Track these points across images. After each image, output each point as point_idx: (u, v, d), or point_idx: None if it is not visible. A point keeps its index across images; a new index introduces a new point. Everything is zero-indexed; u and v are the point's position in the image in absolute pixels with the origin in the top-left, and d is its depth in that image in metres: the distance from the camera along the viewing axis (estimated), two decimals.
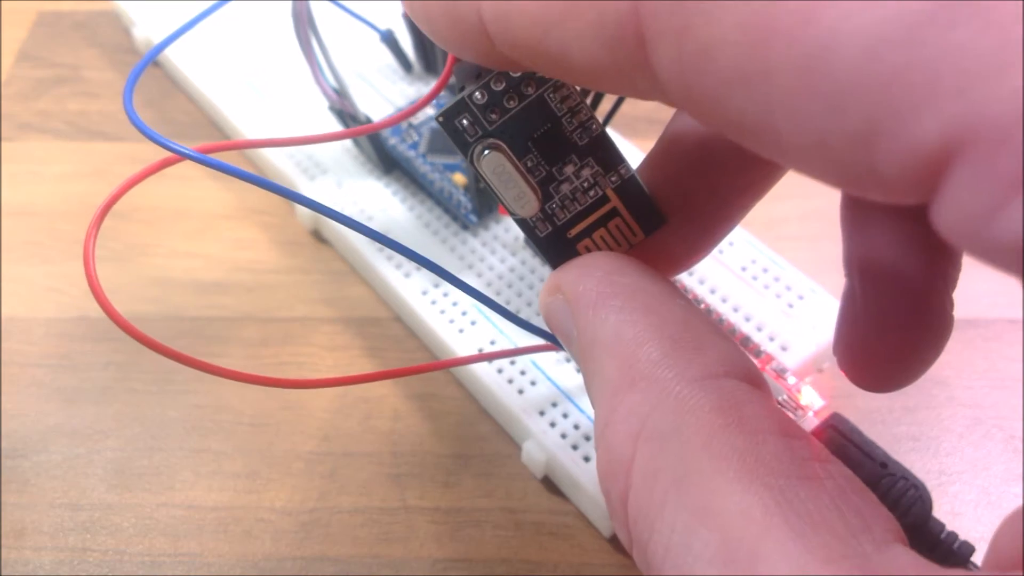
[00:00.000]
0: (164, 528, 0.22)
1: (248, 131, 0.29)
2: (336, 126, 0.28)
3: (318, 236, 0.28)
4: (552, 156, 0.15)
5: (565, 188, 0.15)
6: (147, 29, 0.32)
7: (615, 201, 0.16)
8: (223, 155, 0.15)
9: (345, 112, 0.26)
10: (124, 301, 0.27)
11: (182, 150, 0.14)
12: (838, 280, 0.25)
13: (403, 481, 0.23)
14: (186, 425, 0.24)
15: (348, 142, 0.28)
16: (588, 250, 0.16)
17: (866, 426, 0.22)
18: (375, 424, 0.24)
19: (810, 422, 0.20)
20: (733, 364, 0.13)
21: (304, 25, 0.24)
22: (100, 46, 0.34)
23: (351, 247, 0.26)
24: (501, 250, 0.26)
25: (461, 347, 0.24)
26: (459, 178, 0.26)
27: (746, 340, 0.22)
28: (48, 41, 0.35)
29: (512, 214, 0.16)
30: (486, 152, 0.15)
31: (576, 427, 0.22)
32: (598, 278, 0.14)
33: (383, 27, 0.29)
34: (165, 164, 0.15)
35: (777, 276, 0.25)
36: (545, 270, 0.25)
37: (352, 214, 0.27)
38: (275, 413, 0.24)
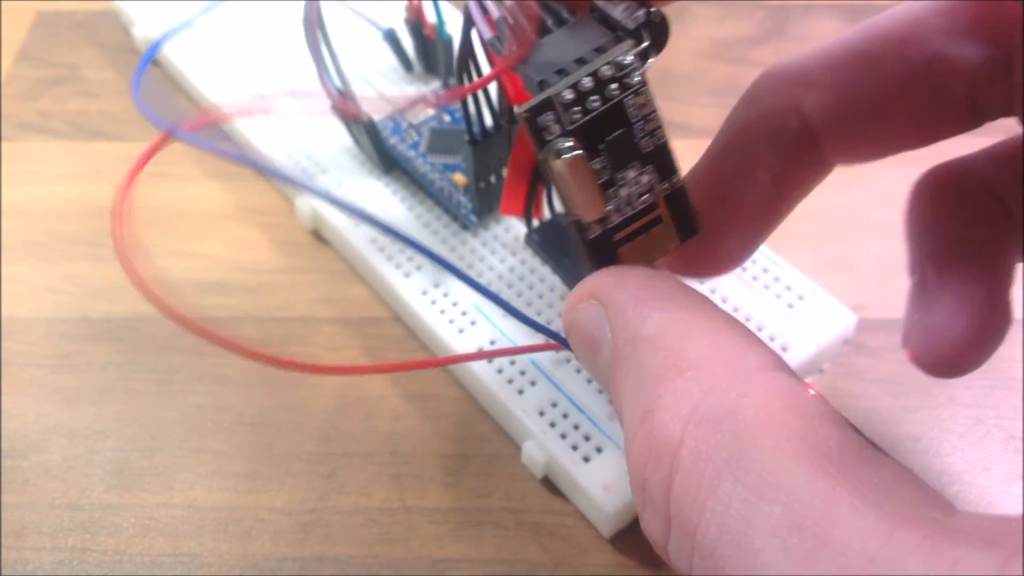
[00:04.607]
0: (164, 528, 0.22)
1: (248, 131, 0.29)
2: (339, 126, 0.28)
3: (318, 236, 0.28)
4: (618, 161, 0.15)
5: (623, 192, 0.16)
6: (147, 28, 0.32)
7: (662, 208, 0.16)
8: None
9: (348, 113, 0.26)
10: (124, 301, 0.27)
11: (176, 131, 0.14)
12: (838, 280, 0.25)
13: (403, 481, 0.23)
14: (186, 425, 0.24)
15: (348, 142, 0.28)
16: (629, 254, 0.16)
17: (867, 427, 0.22)
18: (375, 424, 0.24)
19: None
20: (780, 362, 0.13)
21: (313, 25, 0.24)
22: (100, 46, 0.34)
23: (351, 247, 0.26)
24: (501, 250, 0.26)
25: (461, 347, 0.24)
26: (459, 178, 0.26)
27: None
28: (48, 41, 0.34)
29: (572, 215, 0.16)
30: (568, 153, 0.15)
31: (576, 427, 0.22)
32: (637, 283, 0.14)
33: (383, 27, 0.29)
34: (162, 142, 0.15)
35: (777, 276, 0.25)
36: (545, 270, 0.25)
37: (344, 215, 0.27)
38: (275, 413, 0.24)
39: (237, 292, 0.27)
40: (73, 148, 0.31)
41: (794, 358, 0.23)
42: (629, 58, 0.15)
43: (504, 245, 0.26)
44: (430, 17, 0.27)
